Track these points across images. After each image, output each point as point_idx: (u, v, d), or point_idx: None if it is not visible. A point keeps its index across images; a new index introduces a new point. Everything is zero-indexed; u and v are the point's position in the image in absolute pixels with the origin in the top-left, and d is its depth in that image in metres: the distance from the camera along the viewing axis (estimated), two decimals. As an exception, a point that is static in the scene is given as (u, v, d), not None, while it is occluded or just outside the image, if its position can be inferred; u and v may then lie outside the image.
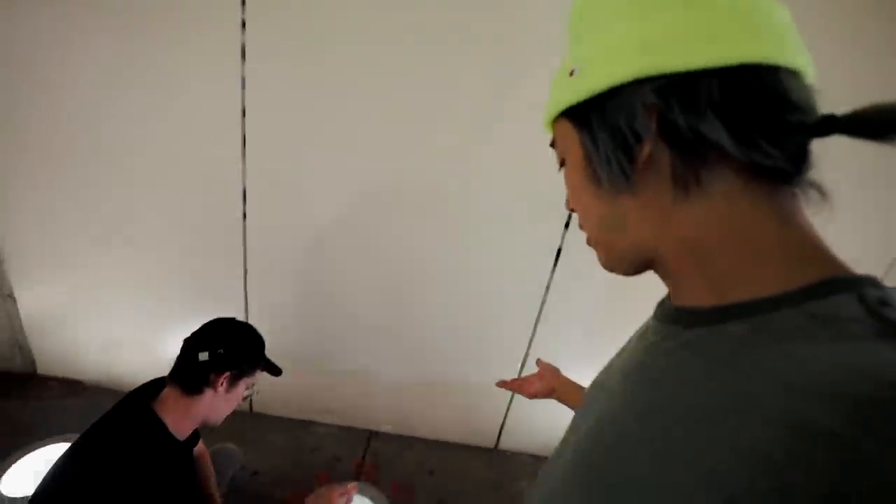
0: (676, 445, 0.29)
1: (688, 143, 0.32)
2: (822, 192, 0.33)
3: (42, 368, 1.92)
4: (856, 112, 0.30)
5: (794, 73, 0.32)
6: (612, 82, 0.33)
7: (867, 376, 0.23)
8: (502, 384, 0.97)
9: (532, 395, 0.92)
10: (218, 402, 1.01)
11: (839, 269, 0.31)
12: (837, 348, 0.26)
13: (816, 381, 0.24)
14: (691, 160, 0.32)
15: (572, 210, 0.44)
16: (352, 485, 1.14)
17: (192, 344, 1.00)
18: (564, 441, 0.46)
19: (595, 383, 0.48)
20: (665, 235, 0.35)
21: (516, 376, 1.75)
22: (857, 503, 0.21)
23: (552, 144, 0.43)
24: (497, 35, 1.28)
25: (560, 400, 0.89)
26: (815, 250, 0.32)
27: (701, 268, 0.34)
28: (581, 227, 0.43)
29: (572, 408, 0.84)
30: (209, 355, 0.97)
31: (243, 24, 1.30)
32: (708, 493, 0.26)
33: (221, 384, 0.98)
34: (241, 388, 1.05)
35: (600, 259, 0.42)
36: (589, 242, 0.43)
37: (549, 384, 0.91)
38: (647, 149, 0.33)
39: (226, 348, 0.99)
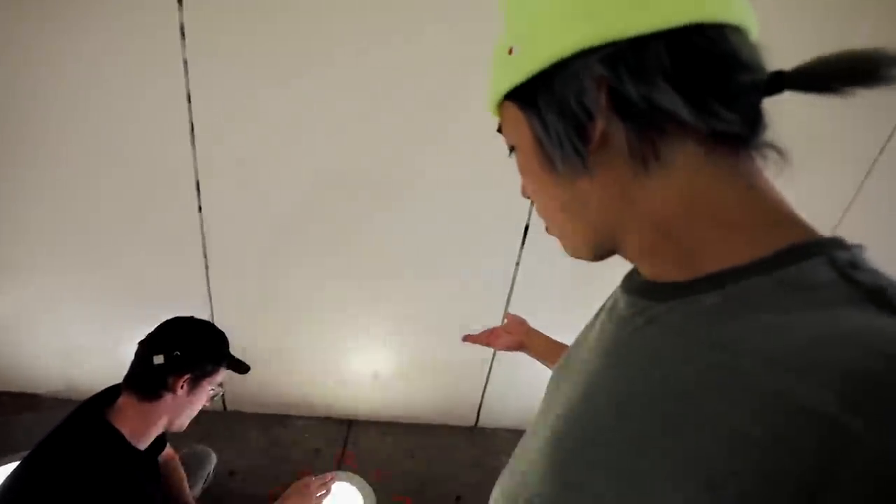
0: (651, 427, 0.28)
1: (642, 114, 0.30)
2: (780, 153, 0.32)
3: (-9, 384, 1.80)
4: (802, 66, 0.29)
5: (739, 31, 0.30)
6: (555, 56, 0.31)
7: (850, 347, 0.22)
8: (469, 338, 0.95)
9: (501, 348, 0.91)
10: (180, 406, 0.96)
11: (807, 232, 0.30)
12: (811, 316, 0.25)
13: (798, 354, 0.23)
14: (647, 133, 0.31)
15: (528, 197, 0.42)
16: (330, 475, 1.12)
17: (146, 347, 0.95)
18: (536, 422, 0.45)
19: (566, 361, 0.47)
20: (629, 214, 0.33)
21: (490, 356, 1.78)
22: (847, 486, 0.20)
23: (499, 130, 0.41)
24: (456, 13, 1.24)
25: (531, 354, 0.88)
26: (782, 214, 0.31)
27: (668, 242, 0.33)
28: (539, 214, 0.41)
29: (543, 362, 0.83)
30: (164, 358, 0.92)
31: (179, 2, 1.20)
32: (686, 475, 0.25)
33: (181, 387, 0.93)
34: (205, 390, 1.00)
35: (564, 246, 0.41)
36: (549, 230, 0.41)
37: (517, 338, 0.89)
38: (599, 125, 0.31)
39: (183, 349, 0.94)
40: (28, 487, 0.81)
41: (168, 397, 0.93)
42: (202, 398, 1.00)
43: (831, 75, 0.28)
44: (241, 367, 1.08)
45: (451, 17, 1.25)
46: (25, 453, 0.88)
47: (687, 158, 0.31)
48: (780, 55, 0.32)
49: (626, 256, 0.38)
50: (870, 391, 0.20)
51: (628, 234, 0.35)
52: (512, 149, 0.40)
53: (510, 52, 0.34)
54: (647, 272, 0.37)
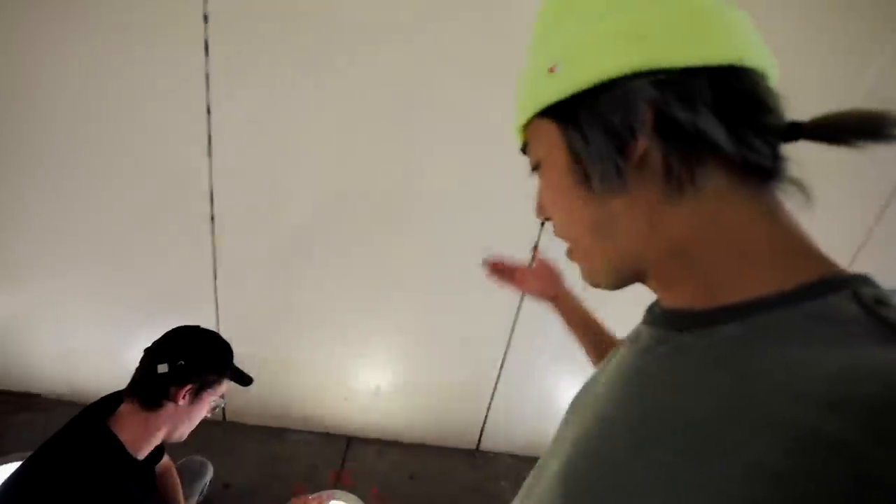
0: (670, 457, 0.27)
1: (686, 139, 0.31)
2: (802, 189, 0.33)
3: (-7, 383, 1.80)
4: (816, 119, 0.31)
5: (766, 78, 0.32)
6: (604, 75, 0.32)
7: (873, 379, 0.22)
8: (493, 266, 0.81)
9: (530, 292, 0.79)
10: (180, 417, 0.95)
11: (832, 267, 0.30)
12: (838, 351, 0.24)
13: (821, 387, 0.23)
14: (687, 157, 0.31)
15: (546, 219, 0.42)
16: (326, 494, 1.10)
17: (151, 355, 0.94)
18: (549, 452, 0.43)
19: (583, 389, 0.46)
20: (653, 238, 0.34)
21: (495, 377, 1.76)
22: None
23: (523, 149, 0.41)
24: (465, 33, 1.27)
25: (559, 312, 0.77)
26: (806, 248, 0.31)
27: (691, 270, 0.33)
28: (560, 236, 0.40)
29: (567, 329, 0.75)
30: (169, 367, 0.91)
31: (205, 18, 1.24)
32: None
33: (183, 397, 0.92)
34: (206, 401, 0.99)
35: (584, 271, 0.40)
36: (570, 254, 0.41)
37: (550, 289, 0.78)
38: (642, 144, 0.31)
39: (187, 359, 0.93)
40: (24, 491, 0.80)
41: (169, 407, 0.92)
42: (203, 409, 0.99)
43: (842, 129, 0.30)
44: (244, 380, 1.06)
45: (468, 30, 1.27)
46: (24, 454, 0.87)
47: (717, 187, 0.32)
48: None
49: (647, 284, 0.37)
50: (891, 420, 0.20)
51: (651, 260, 0.35)
52: (535, 167, 0.40)
53: (551, 69, 0.35)
54: (667, 301, 0.36)
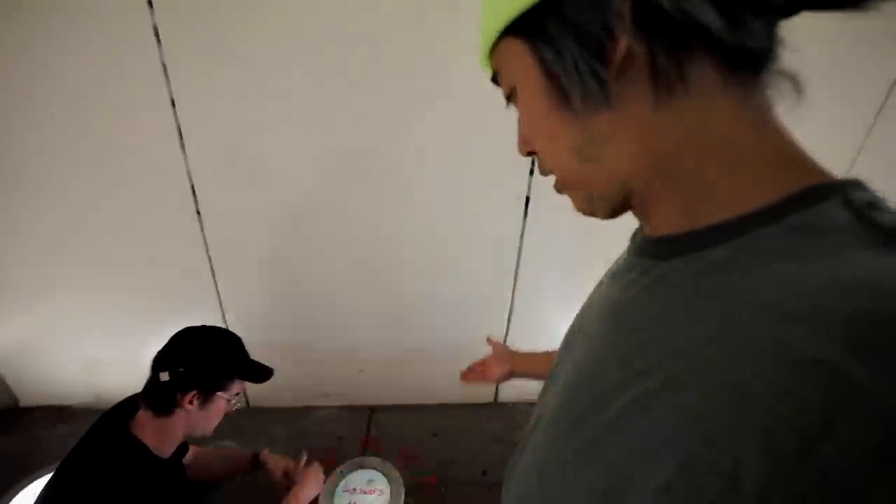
0: (657, 387, 0.27)
1: (672, 29, 0.27)
2: (795, 82, 0.29)
3: (25, 400, 1.87)
4: None
5: None
6: None
7: (859, 291, 0.20)
8: (465, 379, 0.96)
9: (496, 381, 0.92)
10: (195, 420, 0.95)
11: (820, 174, 0.27)
12: (825, 263, 0.23)
13: (803, 304, 0.22)
14: (675, 51, 0.27)
15: (530, 153, 0.38)
16: (357, 460, 1.15)
17: (154, 363, 0.94)
18: (543, 395, 0.44)
19: (572, 328, 0.45)
20: (642, 157, 0.31)
21: (504, 332, 1.78)
22: (845, 436, 0.18)
23: (494, 78, 0.37)
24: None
25: (521, 376, 0.89)
26: (794, 155, 0.29)
27: (674, 188, 0.31)
28: (545, 170, 0.37)
29: (538, 378, 0.82)
30: (170, 375, 0.90)
31: (150, 4, 1.18)
32: (684, 430, 0.24)
33: (190, 402, 0.92)
34: (219, 403, 0.97)
35: (576, 202, 0.37)
36: (557, 187, 0.38)
37: (505, 367, 0.90)
38: (623, 44, 0.27)
39: (187, 365, 0.92)
40: (65, 500, 0.83)
41: (181, 412, 0.92)
42: (218, 410, 0.98)
43: None
44: (257, 376, 1.04)
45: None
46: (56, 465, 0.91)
47: (703, 87, 0.28)
48: None
49: (634, 212, 0.35)
50: (875, 336, 0.19)
51: (639, 181, 0.32)
52: (509, 97, 0.36)
53: None
54: (650, 226, 0.35)
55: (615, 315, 0.35)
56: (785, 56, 0.29)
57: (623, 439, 0.28)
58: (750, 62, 0.28)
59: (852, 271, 0.22)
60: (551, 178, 0.38)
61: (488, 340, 0.96)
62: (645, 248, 0.35)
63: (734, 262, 0.27)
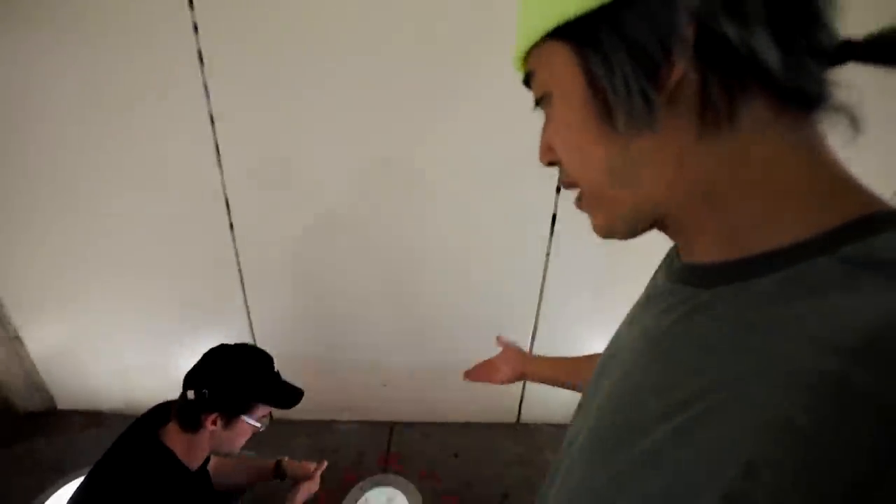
0: (693, 422, 0.26)
1: (732, 62, 0.25)
2: (852, 118, 0.27)
3: (62, 404, 1.94)
4: (871, 37, 0.26)
5: None
6: None
7: None
8: (469, 375, 0.92)
9: (501, 383, 0.87)
10: (219, 440, 0.95)
11: (875, 203, 0.26)
12: (878, 297, 0.21)
13: (851, 337, 0.20)
14: (729, 85, 0.26)
15: (552, 163, 0.36)
16: (377, 477, 1.15)
17: (186, 379, 0.95)
18: (574, 422, 0.42)
19: (605, 355, 0.44)
20: (680, 183, 0.29)
21: (528, 348, 1.75)
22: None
23: (526, 80, 0.35)
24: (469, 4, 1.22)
25: (534, 380, 0.84)
26: (846, 185, 0.27)
27: (717, 216, 0.29)
28: (567, 183, 0.35)
29: (553, 384, 0.80)
30: (195, 394, 0.90)
31: (195, 28, 1.25)
32: (725, 462, 0.23)
33: (214, 423, 0.92)
34: (244, 425, 0.96)
35: (596, 224, 0.35)
36: (581, 204, 0.36)
37: (516, 369, 0.85)
38: (678, 69, 0.26)
39: (210, 388, 0.91)
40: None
41: (206, 431, 0.92)
42: (243, 432, 0.97)
43: None
44: (284, 402, 1.02)
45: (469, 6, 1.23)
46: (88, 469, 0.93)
47: (752, 121, 0.27)
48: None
49: (666, 233, 0.34)
50: None
51: (674, 207, 0.31)
52: (539, 101, 0.34)
53: None
54: (690, 252, 0.33)
55: (652, 342, 0.34)
56: (842, 91, 0.28)
57: (661, 472, 0.26)
58: (804, 102, 0.27)
59: None
60: (575, 191, 0.36)
61: (498, 340, 0.91)
62: (684, 275, 0.33)
63: (782, 293, 0.25)
